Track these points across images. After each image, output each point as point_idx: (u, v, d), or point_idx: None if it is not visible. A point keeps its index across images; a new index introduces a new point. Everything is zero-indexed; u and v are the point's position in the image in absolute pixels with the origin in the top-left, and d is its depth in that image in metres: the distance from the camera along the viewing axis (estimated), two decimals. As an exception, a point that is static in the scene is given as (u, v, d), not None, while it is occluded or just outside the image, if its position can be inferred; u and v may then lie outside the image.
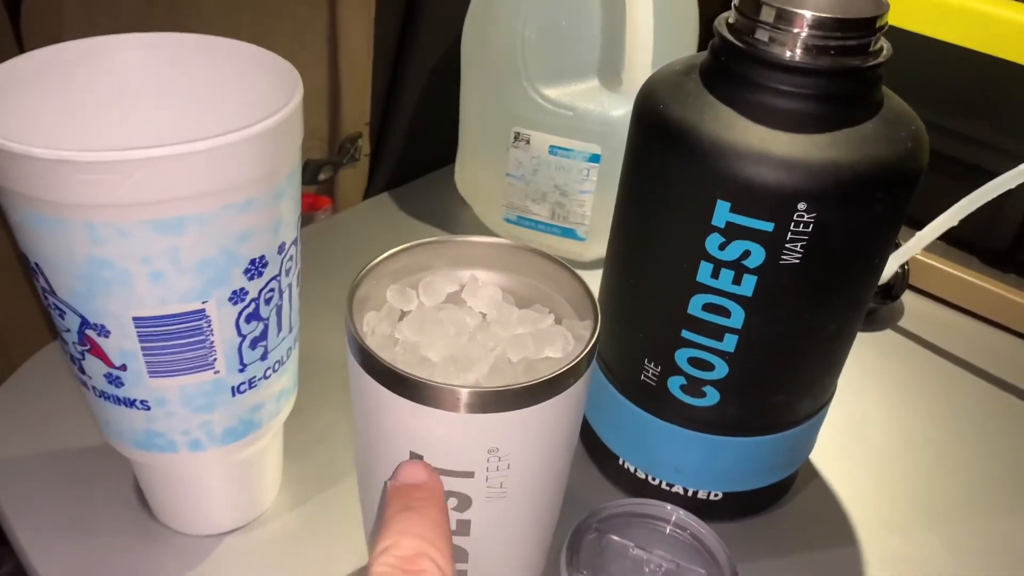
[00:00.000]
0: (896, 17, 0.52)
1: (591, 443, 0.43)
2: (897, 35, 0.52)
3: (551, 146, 0.52)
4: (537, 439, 0.27)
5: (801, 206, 0.30)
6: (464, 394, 0.25)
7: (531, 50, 0.50)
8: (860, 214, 0.31)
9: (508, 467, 0.27)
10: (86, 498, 0.40)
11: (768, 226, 0.31)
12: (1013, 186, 0.44)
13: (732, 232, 0.31)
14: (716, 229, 0.31)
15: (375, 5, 0.55)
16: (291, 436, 0.42)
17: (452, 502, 0.27)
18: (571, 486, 0.42)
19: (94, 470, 0.41)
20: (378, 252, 0.30)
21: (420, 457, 0.26)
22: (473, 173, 0.58)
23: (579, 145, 0.51)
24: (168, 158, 0.26)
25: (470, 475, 0.26)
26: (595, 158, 0.51)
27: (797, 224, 0.30)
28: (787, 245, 0.31)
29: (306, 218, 0.60)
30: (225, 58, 0.33)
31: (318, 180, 0.58)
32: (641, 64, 0.48)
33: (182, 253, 0.28)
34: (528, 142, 0.52)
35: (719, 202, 0.31)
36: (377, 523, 0.25)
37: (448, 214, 0.60)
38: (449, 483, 0.27)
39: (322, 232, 0.58)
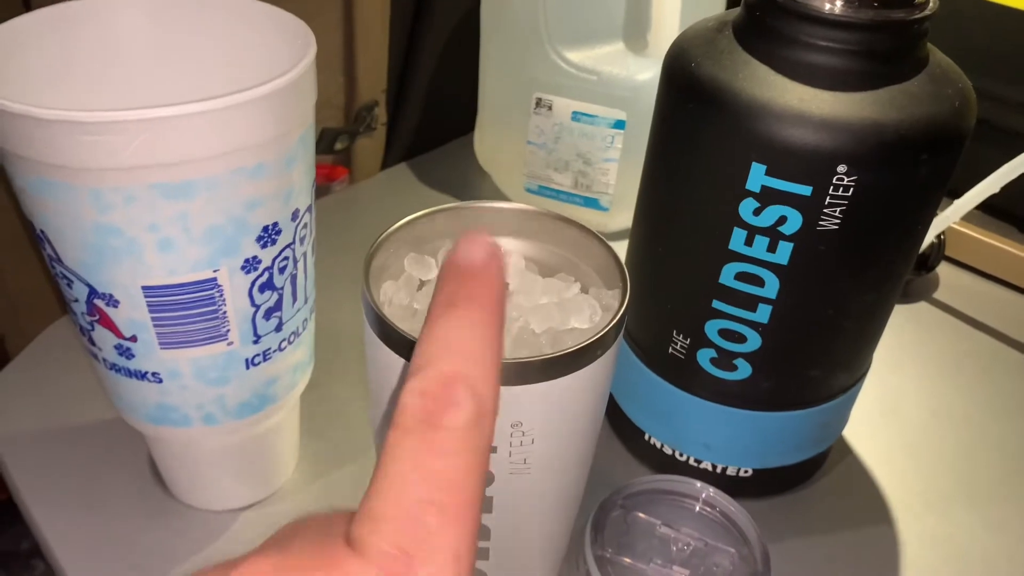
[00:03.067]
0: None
1: (616, 418, 0.41)
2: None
3: (574, 112, 0.50)
4: (562, 413, 0.25)
5: (841, 169, 0.28)
6: (486, 366, 0.23)
7: (553, 11, 0.48)
8: (903, 177, 0.29)
9: (532, 442, 0.25)
10: (101, 474, 0.39)
11: (806, 190, 0.29)
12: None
13: (767, 197, 0.30)
14: (750, 194, 0.30)
15: (391, -31, 0.53)
16: (308, 411, 0.41)
17: (474, 478, 0.26)
18: (596, 462, 0.41)
19: (109, 446, 0.40)
20: (396, 223, 0.29)
21: (440, 432, 0.25)
22: (493, 142, 0.57)
23: (603, 111, 0.49)
24: (175, 118, 0.25)
25: (493, 450, 0.25)
26: (620, 124, 0.49)
27: (836, 188, 0.29)
28: (825, 210, 0.29)
29: (322, 189, 0.59)
30: (235, 16, 0.32)
31: (334, 150, 0.56)
32: (668, 25, 0.46)
33: (191, 220, 0.27)
34: (550, 108, 0.50)
35: (754, 165, 0.29)
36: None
37: (467, 184, 0.59)
38: (470, 459, 0.26)
39: (339, 203, 0.57)
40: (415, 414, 0.17)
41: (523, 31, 0.49)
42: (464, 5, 0.57)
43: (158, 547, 0.36)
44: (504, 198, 0.57)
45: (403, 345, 0.24)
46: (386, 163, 0.61)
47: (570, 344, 0.24)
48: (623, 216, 0.52)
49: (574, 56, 0.49)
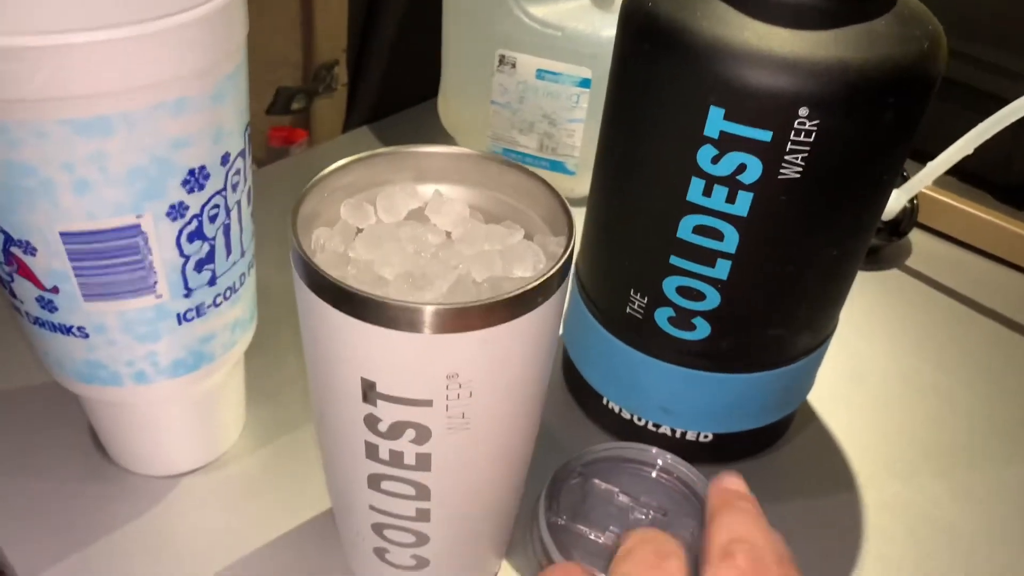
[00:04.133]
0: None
1: (574, 382, 0.40)
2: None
3: (538, 70, 0.48)
4: (501, 364, 0.24)
5: (803, 112, 0.27)
6: (418, 312, 0.22)
7: (516, -35, 0.47)
8: (868, 122, 0.28)
9: (470, 395, 0.24)
10: (36, 440, 0.37)
11: (766, 135, 0.27)
12: (1034, 109, 0.41)
13: (726, 143, 0.28)
14: (709, 140, 0.28)
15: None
16: (256, 377, 0.39)
17: (410, 434, 0.25)
18: (553, 429, 0.40)
19: (45, 410, 0.38)
20: (329, 168, 0.27)
21: (372, 384, 0.24)
22: (457, 103, 0.55)
23: (568, 68, 0.48)
24: (85, 46, 0.23)
25: (428, 403, 0.24)
26: (585, 83, 0.48)
27: (798, 133, 0.27)
28: (787, 157, 0.28)
29: (281, 152, 0.57)
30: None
31: (291, 110, 0.54)
32: (634, -22, 0.44)
33: (109, 159, 0.25)
34: (514, 66, 0.49)
35: (712, 108, 0.28)
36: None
37: (431, 148, 0.57)
38: (405, 412, 0.24)
39: (297, 166, 0.55)
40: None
41: (486, -15, 0.47)
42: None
43: (95, 513, 0.35)
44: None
45: (329, 290, 0.23)
46: (347, 126, 0.59)
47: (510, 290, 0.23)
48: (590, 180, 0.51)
49: (538, 11, 0.47)
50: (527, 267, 0.26)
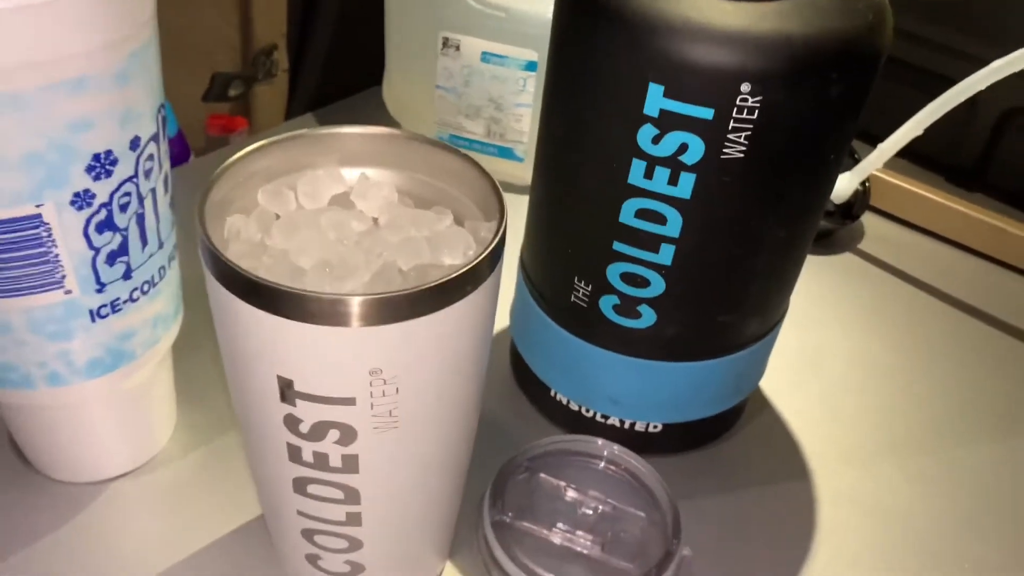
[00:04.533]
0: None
1: (521, 374, 0.39)
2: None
3: (483, 52, 0.47)
4: (430, 358, 0.22)
5: (744, 88, 0.26)
6: (334, 303, 0.20)
7: (458, -57, 0.45)
8: (813, 98, 0.27)
9: (396, 391, 0.22)
10: (-52, 445, 0.35)
11: (707, 113, 0.26)
12: (978, 90, 0.40)
13: (667, 122, 0.27)
14: (648, 119, 0.27)
15: None
16: (187, 376, 0.37)
17: (334, 435, 0.23)
18: (501, 422, 0.38)
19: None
20: (241, 151, 0.25)
21: (290, 383, 0.22)
22: (402, 89, 0.53)
23: (514, 51, 0.46)
24: (-35, 19, 0.21)
25: (351, 402, 0.22)
26: (531, 66, 0.46)
27: (740, 110, 0.26)
28: (729, 136, 0.27)
29: (220, 140, 0.55)
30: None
31: (228, 96, 0.52)
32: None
33: (1, 143, 0.23)
34: (458, 48, 0.47)
35: (651, 85, 0.27)
36: None
37: (377, 136, 0.55)
38: (327, 412, 0.23)
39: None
40: None
41: (427, -36, 0.46)
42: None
43: (16, 523, 0.33)
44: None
45: (238, 282, 0.21)
46: (289, 113, 0.57)
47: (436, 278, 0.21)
48: (539, 165, 0.49)
49: (482, -9, 0.46)
50: (457, 254, 0.24)
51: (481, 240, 0.25)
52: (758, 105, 0.26)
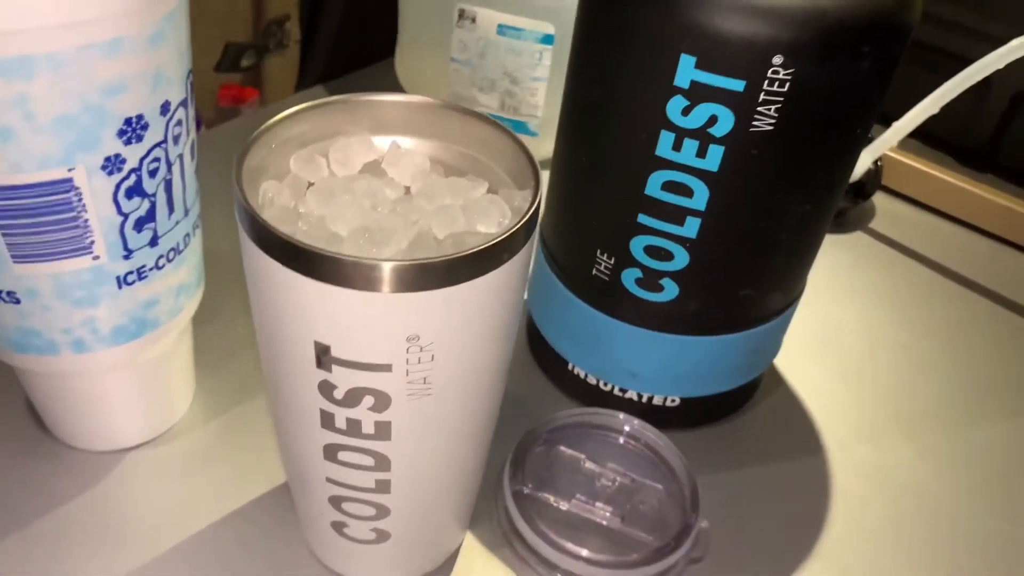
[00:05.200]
0: None
1: (539, 348, 0.39)
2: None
3: (499, 25, 0.46)
4: (465, 326, 0.23)
5: (776, 60, 0.26)
6: (374, 268, 0.20)
7: (476, -86, 0.45)
8: (843, 72, 0.27)
9: (432, 359, 0.23)
10: (-33, 412, 0.35)
11: (738, 85, 0.26)
12: (993, 70, 0.40)
13: (697, 93, 0.27)
14: (679, 91, 0.27)
15: None
16: (206, 344, 0.37)
17: (368, 401, 0.23)
18: (518, 395, 0.39)
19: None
20: (277, 117, 0.25)
21: (326, 348, 0.22)
22: (415, 61, 0.53)
23: (530, 24, 0.46)
24: (2, -23, 0.21)
25: (387, 368, 0.22)
26: (548, 39, 0.46)
27: (772, 83, 0.26)
28: (759, 108, 0.27)
29: (231, 112, 0.55)
30: None
31: (240, 67, 0.52)
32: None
33: (34, 104, 0.23)
34: (474, 21, 0.47)
35: (683, 57, 0.27)
36: None
37: (388, 109, 0.55)
38: (363, 378, 0.23)
39: (248, 126, 0.52)
40: None
41: (444, -65, 0.45)
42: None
43: (36, 491, 0.33)
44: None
45: (278, 247, 0.21)
46: (300, 85, 0.56)
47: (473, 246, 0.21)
48: (553, 141, 0.49)
49: (499, -37, 0.45)
50: (491, 223, 0.24)
51: (516, 209, 0.25)
52: (789, 78, 0.26)
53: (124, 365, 0.31)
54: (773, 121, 0.27)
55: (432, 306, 0.22)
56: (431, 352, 0.22)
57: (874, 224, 0.50)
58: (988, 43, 0.41)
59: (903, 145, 0.47)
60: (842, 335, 0.43)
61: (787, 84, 0.26)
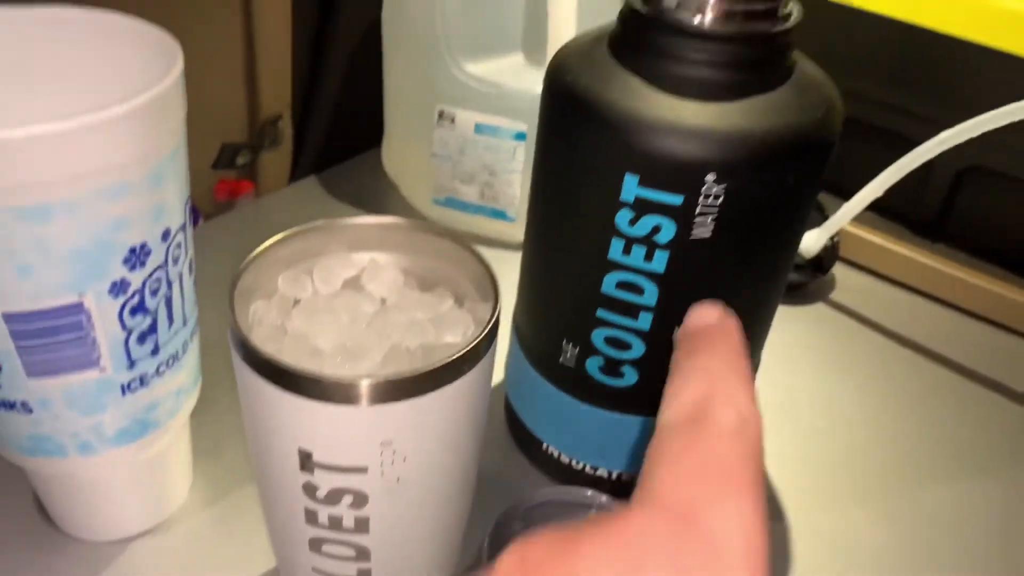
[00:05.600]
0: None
1: (516, 428, 0.42)
2: (820, 2, 0.52)
3: (477, 124, 0.50)
4: (434, 430, 0.25)
5: (710, 177, 0.29)
6: (351, 385, 0.23)
7: (452, 24, 0.48)
8: (772, 184, 0.30)
9: (404, 460, 0.25)
10: (-20, 507, 0.37)
11: (677, 199, 0.29)
12: (934, 155, 0.44)
13: (641, 207, 0.30)
14: (625, 204, 0.30)
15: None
16: (201, 431, 0.40)
17: (348, 499, 0.26)
18: (497, 473, 0.41)
19: (-10, 477, 0.39)
20: (266, 242, 0.28)
21: (309, 454, 0.25)
22: (400, 154, 0.56)
23: (505, 123, 0.50)
24: (27, 139, 0.24)
25: (363, 470, 0.25)
26: (521, 136, 0.50)
27: (707, 197, 0.29)
28: (697, 219, 0.30)
29: (227, 205, 0.58)
30: (99, 31, 0.31)
31: (236, 164, 0.55)
32: (565, 38, 0.46)
33: (51, 243, 0.26)
34: (453, 121, 0.50)
35: (627, 175, 0.30)
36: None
37: (376, 197, 0.58)
38: (342, 480, 0.25)
39: (244, 218, 0.56)
40: (683, 417, 0.18)
41: (423, 45, 0.49)
42: (368, 18, 0.56)
43: (40, 582, 0.35)
44: (412, 210, 0.57)
45: (263, 366, 0.24)
46: (294, 176, 0.60)
47: (438, 359, 0.24)
48: (529, 226, 0.52)
49: (474, 69, 0.49)
50: (457, 333, 0.27)
51: (479, 320, 0.27)
52: (723, 192, 0.29)
53: (127, 463, 0.34)
54: (711, 229, 0.30)
55: (403, 415, 0.24)
56: (403, 454, 0.25)
57: (834, 295, 0.53)
58: (928, 124, 0.45)
59: (859, 217, 0.50)
60: (801, 406, 0.46)
61: (721, 197, 0.29)
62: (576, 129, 0.31)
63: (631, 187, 0.30)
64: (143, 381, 0.32)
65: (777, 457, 0.43)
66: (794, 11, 0.30)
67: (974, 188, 0.53)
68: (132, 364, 0.31)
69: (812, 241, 0.50)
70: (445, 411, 0.25)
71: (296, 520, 0.27)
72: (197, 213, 0.56)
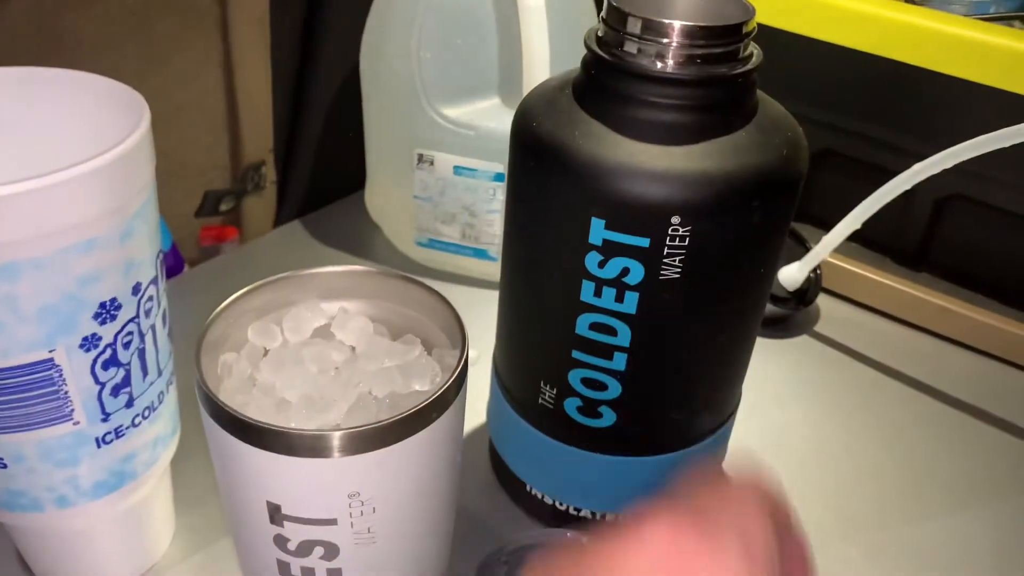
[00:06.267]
0: (792, 22, 0.52)
1: (500, 471, 0.41)
2: (795, 39, 0.52)
3: (455, 166, 0.51)
4: (403, 479, 0.25)
5: (675, 220, 0.29)
6: (315, 438, 0.23)
7: (428, 70, 0.49)
8: (737, 225, 0.30)
9: (373, 511, 0.25)
10: (-40, 563, 0.37)
11: (644, 242, 0.30)
12: (908, 187, 0.44)
13: (610, 249, 0.30)
14: (594, 247, 0.31)
15: (270, 32, 0.53)
16: (183, 480, 0.39)
17: (319, 551, 0.26)
18: (481, 515, 0.41)
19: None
20: (235, 295, 0.28)
21: (278, 507, 0.25)
22: (382, 197, 0.57)
23: (483, 164, 0.50)
24: (-10, 201, 0.25)
25: (332, 522, 0.25)
26: (500, 177, 0.50)
27: (673, 239, 0.30)
28: (665, 260, 0.30)
29: (212, 250, 0.58)
30: (66, 89, 0.31)
31: (219, 211, 0.56)
32: (538, 80, 0.47)
33: (20, 301, 0.27)
34: (432, 163, 0.51)
35: (594, 220, 0.30)
36: None
37: (360, 239, 0.59)
38: (312, 532, 0.25)
39: (229, 264, 0.56)
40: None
41: (401, 91, 0.50)
42: (346, 64, 0.57)
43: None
44: (396, 252, 0.57)
45: (228, 420, 0.24)
46: (278, 221, 0.60)
47: (406, 408, 0.24)
48: (511, 265, 0.53)
49: (452, 112, 0.50)
50: (425, 381, 0.27)
51: (447, 366, 0.28)
52: (688, 234, 0.29)
53: (105, 514, 0.34)
54: (679, 270, 0.30)
55: (369, 466, 0.24)
56: (372, 505, 0.25)
57: (818, 327, 0.53)
58: (905, 156, 0.45)
59: (842, 249, 0.50)
60: (788, 438, 0.46)
61: (687, 239, 0.30)
62: (543, 174, 0.31)
63: (598, 230, 0.30)
64: (118, 433, 0.31)
65: (762, 493, 0.42)
66: (754, 53, 0.31)
67: (954, 217, 0.54)
68: (107, 417, 0.31)
69: (795, 273, 0.50)
70: (414, 460, 0.25)
71: (270, 572, 0.27)
72: (182, 260, 0.56)
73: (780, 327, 0.52)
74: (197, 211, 0.55)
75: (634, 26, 0.30)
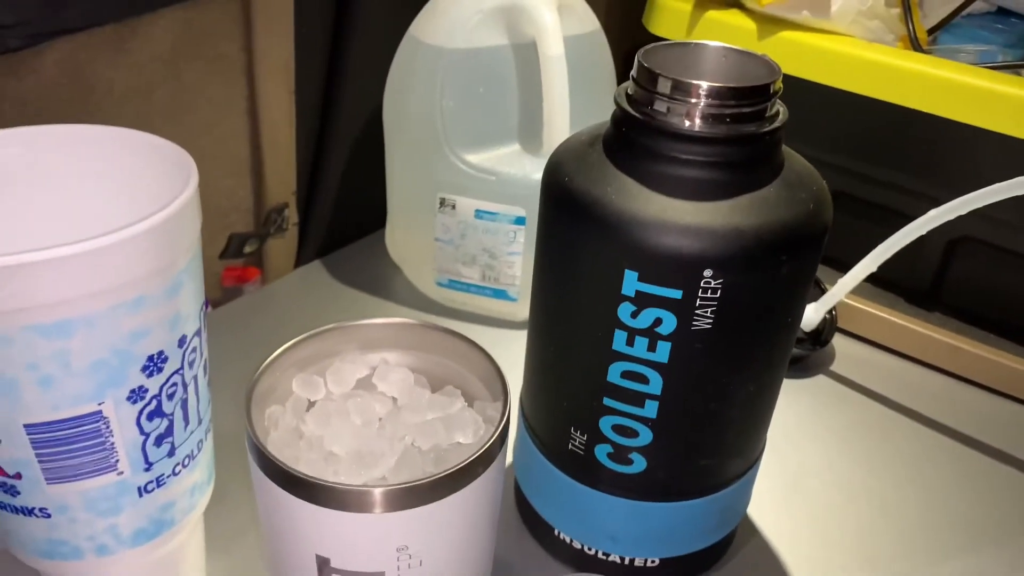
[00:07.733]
0: (808, 70, 0.53)
1: (528, 515, 0.42)
2: (810, 85, 0.54)
3: (477, 210, 0.52)
4: (449, 532, 0.26)
5: (707, 273, 0.30)
6: (366, 493, 0.24)
7: (451, 118, 0.50)
8: (767, 277, 0.31)
9: (420, 564, 0.26)
10: (-6, 609, 0.37)
11: (676, 294, 0.31)
12: (924, 232, 0.45)
13: (642, 300, 0.31)
14: (627, 298, 0.31)
15: (294, 77, 0.55)
16: (214, 526, 0.40)
17: (365, 602, 0.26)
18: (510, 560, 0.41)
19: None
20: (309, 323, 0.29)
21: (327, 560, 0.25)
22: (403, 238, 0.58)
23: (504, 208, 0.51)
24: (48, 261, 0.25)
25: (380, 575, 0.25)
26: (520, 220, 0.51)
27: (705, 291, 0.30)
28: (697, 311, 0.31)
29: (234, 291, 0.59)
30: (117, 149, 0.33)
31: (243, 253, 0.57)
32: (559, 128, 0.48)
33: (72, 356, 0.27)
34: (454, 207, 0.52)
35: (627, 272, 0.31)
36: None
37: (380, 279, 0.60)
38: (359, 583, 0.26)
39: (251, 305, 0.57)
40: None
41: (423, 136, 0.51)
42: (369, 108, 0.59)
43: None
44: (416, 293, 0.58)
45: (282, 476, 0.25)
46: (299, 261, 0.61)
47: (452, 463, 0.25)
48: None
49: (473, 158, 0.51)
50: (468, 434, 0.28)
51: (489, 419, 0.28)
52: (720, 286, 0.30)
53: (142, 562, 0.34)
54: (711, 321, 0.31)
55: (418, 520, 0.25)
56: (419, 558, 0.26)
57: (834, 367, 0.54)
58: (921, 200, 0.46)
59: (856, 290, 0.51)
60: (808, 480, 0.46)
61: (719, 291, 0.30)
62: (576, 228, 0.32)
63: (631, 282, 0.31)
64: (159, 482, 0.32)
65: (788, 534, 0.43)
66: (780, 111, 0.32)
67: (965, 258, 0.55)
68: (149, 466, 0.31)
69: (811, 314, 0.51)
70: (460, 513, 0.26)
71: (313, 623, 0.27)
72: (206, 301, 0.57)
73: (797, 367, 0.53)
74: (221, 253, 0.55)
75: (664, 86, 0.31)
